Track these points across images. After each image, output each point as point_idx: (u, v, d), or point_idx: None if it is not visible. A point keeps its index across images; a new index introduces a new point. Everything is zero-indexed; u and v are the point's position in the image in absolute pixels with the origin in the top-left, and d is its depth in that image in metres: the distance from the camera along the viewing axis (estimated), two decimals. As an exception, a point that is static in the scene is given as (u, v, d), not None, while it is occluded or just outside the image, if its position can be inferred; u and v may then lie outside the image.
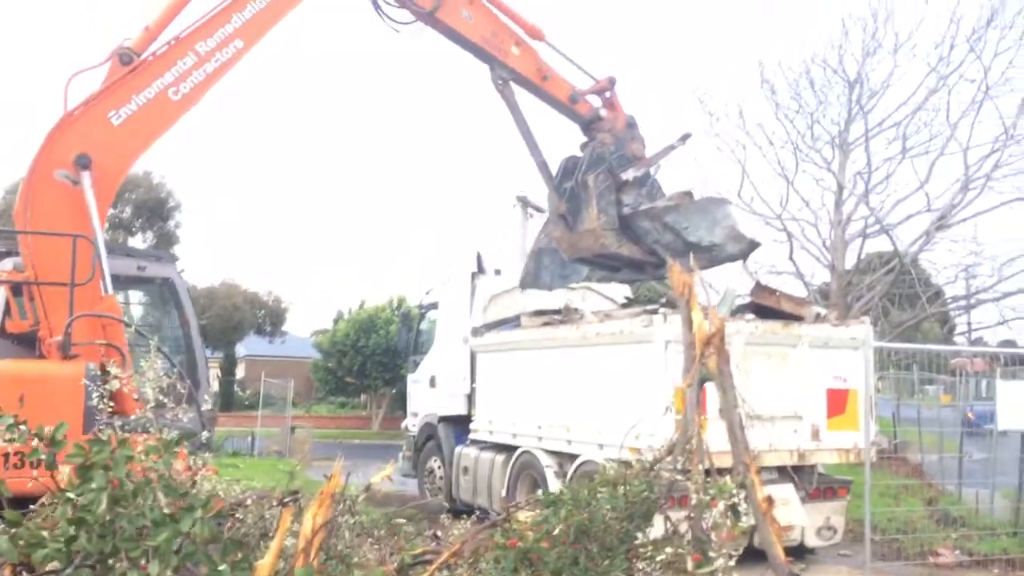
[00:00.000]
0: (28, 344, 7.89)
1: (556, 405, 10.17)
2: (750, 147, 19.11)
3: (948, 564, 9.85)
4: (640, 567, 3.52)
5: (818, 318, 9.55)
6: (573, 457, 9.84)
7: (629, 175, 9.93)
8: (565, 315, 10.43)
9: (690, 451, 3.86)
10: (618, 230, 9.85)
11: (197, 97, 8.07)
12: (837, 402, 9.32)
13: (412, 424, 14.09)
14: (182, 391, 6.83)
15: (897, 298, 19.38)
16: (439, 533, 4.54)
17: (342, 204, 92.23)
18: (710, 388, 8.88)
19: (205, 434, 5.29)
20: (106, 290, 7.56)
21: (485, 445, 11.86)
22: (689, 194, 10.09)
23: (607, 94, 10.67)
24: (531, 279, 11.04)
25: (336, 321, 35.79)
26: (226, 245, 75.72)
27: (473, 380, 12.30)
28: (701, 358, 3.82)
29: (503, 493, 11.06)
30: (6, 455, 6.09)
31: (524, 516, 3.81)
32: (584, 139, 10.81)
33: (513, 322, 11.93)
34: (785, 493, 9.00)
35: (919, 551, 10.10)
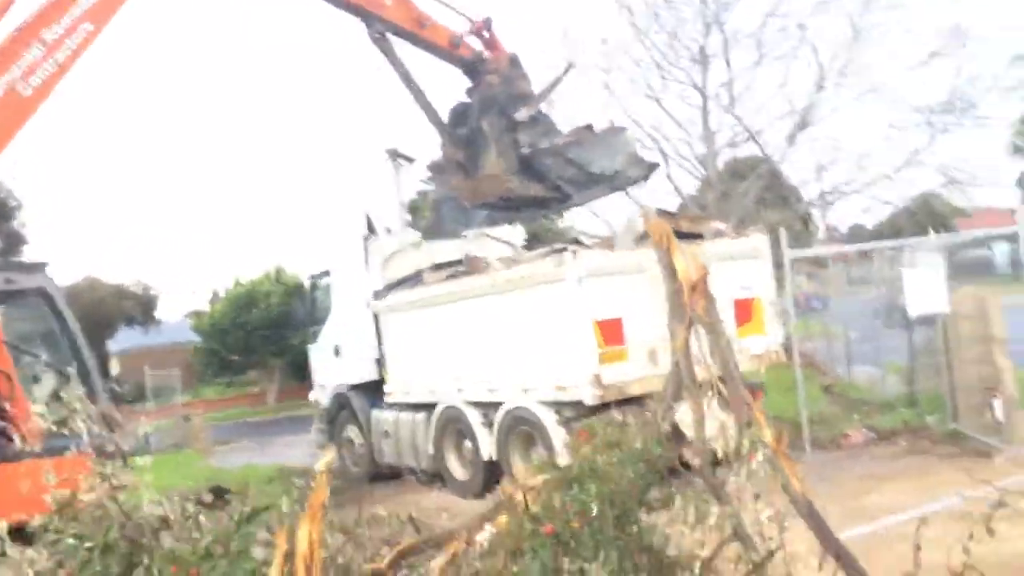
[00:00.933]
0: None
1: (474, 357, 10.07)
2: (616, 72, 19.18)
3: (859, 444, 10.48)
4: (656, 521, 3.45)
5: (718, 233, 9.76)
6: (497, 405, 9.79)
7: (523, 115, 9.79)
8: (470, 266, 10.26)
9: (692, 393, 3.78)
10: (520, 171, 9.76)
11: (50, 88, 7.38)
12: (744, 311, 9.60)
13: (321, 396, 13.70)
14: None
15: (766, 201, 20.13)
16: (413, 515, 4.37)
17: (199, 182, 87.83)
18: (626, 320, 9.04)
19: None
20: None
21: (403, 406, 11.67)
22: (589, 127, 10.06)
23: (485, 34, 10.43)
24: (435, 230, 10.83)
25: (212, 301, 34.34)
26: (83, 240, 71.04)
27: (381, 343, 12.02)
28: (689, 302, 3.69)
29: (430, 451, 10.96)
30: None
31: (525, 491, 3.66)
32: (469, 84, 10.56)
33: (414, 280, 11.68)
34: (715, 407, 9.27)
35: (831, 438, 10.72)
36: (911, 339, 11.07)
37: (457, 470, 10.74)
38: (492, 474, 9.80)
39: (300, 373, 31.39)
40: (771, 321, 9.77)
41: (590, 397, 8.55)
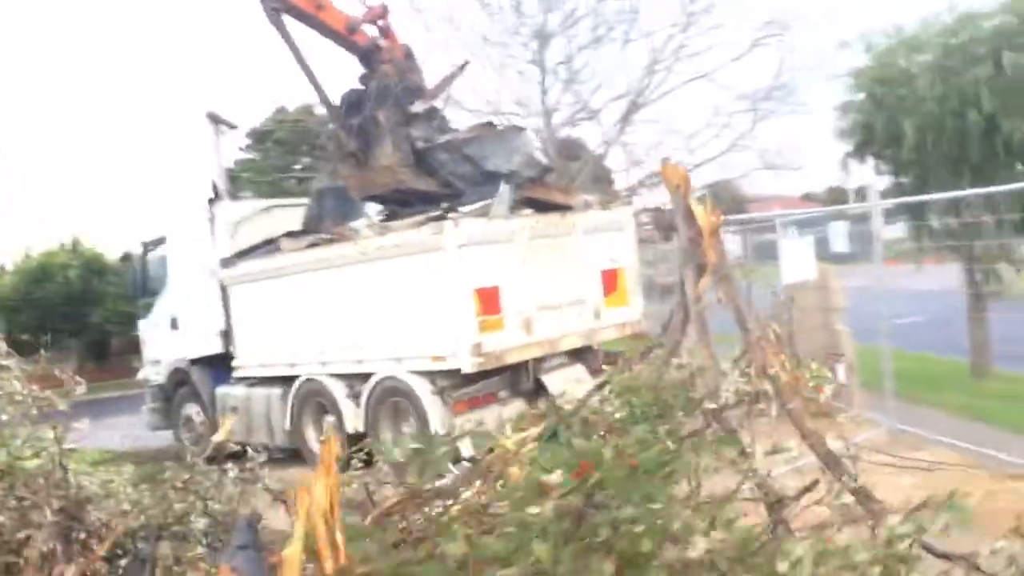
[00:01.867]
0: None
1: (339, 327, 9.75)
2: (461, 47, 19.13)
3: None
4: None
5: (586, 205, 9.99)
6: (366, 376, 9.56)
7: (418, 107, 9.62)
8: (336, 234, 9.90)
9: (705, 341, 3.83)
10: (413, 164, 9.55)
11: None
12: (610, 282, 9.92)
13: (155, 373, 12.77)
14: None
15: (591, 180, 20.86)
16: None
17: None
18: (502, 289, 9.06)
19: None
20: None
21: (254, 381, 11.13)
22: (490, 125, 10.02)
23: (381, 22, 10.11)
24: (314, 221, 10.42)
25: (-2, 275, 31.04)
26: None
27: (228, 315, 11.37)
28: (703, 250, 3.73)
29: (287, 426, 10.53)
30: None
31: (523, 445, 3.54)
32: (362, 71, 10.22)
33: (269, 248, 11.14)
34: (578, 373, 9.53)
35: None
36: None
37: (316, 445, 10.37)
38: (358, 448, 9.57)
39: (99, 353, 29.19)
40: (634, 293, 10.15)
41: (469, 365, 8.53)
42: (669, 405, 3.17)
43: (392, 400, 9.34)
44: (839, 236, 10.26)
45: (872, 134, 12.13)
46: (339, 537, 2.63)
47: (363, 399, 9.54)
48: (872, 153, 12.54)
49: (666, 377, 3.39)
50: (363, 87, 10.39)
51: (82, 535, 3.37)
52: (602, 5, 18.94)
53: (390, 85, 10.07)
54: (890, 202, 10.28)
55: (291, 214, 11.91)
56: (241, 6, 10.67)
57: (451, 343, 8.65)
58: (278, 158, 32.68)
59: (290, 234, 11.01)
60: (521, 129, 11.11)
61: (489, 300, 8.66)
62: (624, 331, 10.03)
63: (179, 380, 12.29)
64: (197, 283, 11.71)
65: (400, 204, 10.18)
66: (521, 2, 18.98)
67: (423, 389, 8.91)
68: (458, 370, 8.78)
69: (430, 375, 8.97)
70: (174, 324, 12.28)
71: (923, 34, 12.17)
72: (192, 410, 12.15)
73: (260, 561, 2.73)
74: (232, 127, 22.02)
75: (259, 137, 32.35)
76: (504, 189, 9.14)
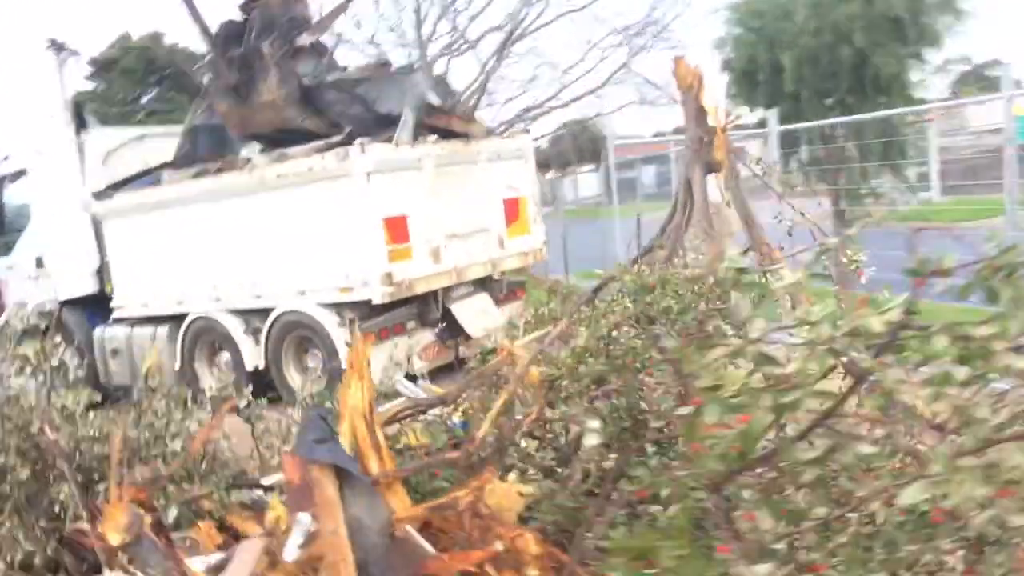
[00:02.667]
0: None
1: (234, 261, 9.31)
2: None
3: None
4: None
5: (488, 132, 9.89)
6: (265, 312, 9.22)
7: (304, 40, 9.05)
8: (226, 162, 9.38)
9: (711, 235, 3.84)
10: (300, 102, 9.02)
11: None
12: (512, 210, 9.91)
13: (18, 317, 11.79)
14: None
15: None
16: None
17: None
18: (410, 217, 8.90)
19: None
20: None
21: (137, 320, 10.52)
22: (385, 65, 9.58)
23: None
24: (187, 159, 9.74)
25: None
26: None
27: (103, 252, 10.65)
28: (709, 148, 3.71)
29: (176, 366, 10.05)
30: None
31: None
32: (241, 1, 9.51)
33: (145, 179, 10.45)
34: (484, 303, 9.56)
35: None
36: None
37: (210, 384, 9.95)
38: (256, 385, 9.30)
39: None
40: (535, 221, 10.20)
41: (380, 296, 8.36)
42: (684, 302, 3.22)
43: (296, 334, 9.08)
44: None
45: (756, 66, 12.57)
46: (380, 436, 2.57)
47: (263, 335, 9.21)
48: (754, 85, 13.01)
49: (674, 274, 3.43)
50: (244, 17, 9.78)
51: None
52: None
53: (275, 15, 9.49)
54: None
55: (165, 144, 11.19)
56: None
57: (359, 273, 8.45)
58: (124, 88, 30.53)
59: (168, 165, 10.37)
60: (415, 70, 10.79)
61: (397, 229, 8.48)
62: (527, 260, 10.10)
63: (46, 324, 11.43)
64: (65, 218, 10.87)
65: (281, 144, 9.67)
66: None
67: (330, 322, 8.68)
68: (366, 301, 8.60)
69: (336, 307, 8.75)
70: (39, 263, 11.37)
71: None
72: (65, 355, 11.34)
73: (342, 450, 2.62)
74: (75, 54, 20.40)
75: (103, 66, 30.02)
76: (407, 115, 8.89)
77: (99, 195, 10.35)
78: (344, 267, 8.53)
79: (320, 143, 8.75)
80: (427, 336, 9.10)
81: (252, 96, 9.34)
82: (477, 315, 9.25)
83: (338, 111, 9.27)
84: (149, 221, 9.96)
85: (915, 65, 11.91)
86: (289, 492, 2.61)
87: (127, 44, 30.42)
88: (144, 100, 31.04)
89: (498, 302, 9.81)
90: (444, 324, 9.08)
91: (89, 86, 30.28)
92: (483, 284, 9.71)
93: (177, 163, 10.09)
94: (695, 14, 20.10)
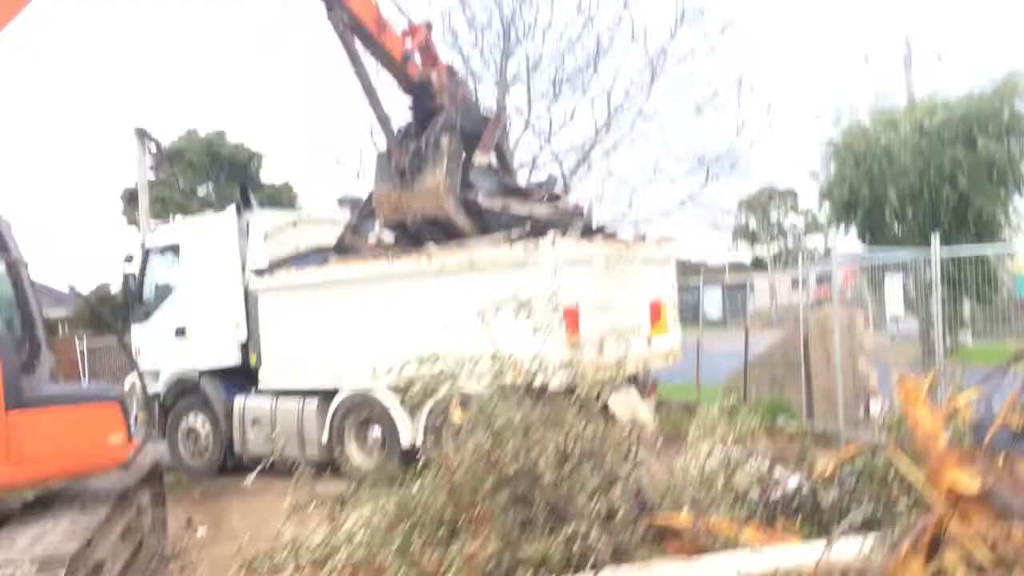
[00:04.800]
0: None
1: (401, 340, 9.74)
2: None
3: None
4: None
5: (640, 239, 10.58)
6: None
7: (479, 160, 9.93)
8: (402, 248, 10.01)
9: None
10: (459, 199, 9.79)
11: None
12: (656, 312, 10.50)
13: (148, 382, 12.16)
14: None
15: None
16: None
17: None
18: (582, 309, 9.46)
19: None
20: None
21: (281, 393, 10.88)
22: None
23: (422, 41, 10.35)
24: (347, 247, 10.50)
25: None
26: None
27: (252, 326, 11.14)
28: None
29: (324, 439, 10.37)
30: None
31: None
32: (408, 100, 10.42)
33: (304, 259, 11.07)
34: (634, 396, 10.01)
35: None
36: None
37: (357, 458, 10.28)
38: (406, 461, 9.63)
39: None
40: (674, 324, 10.77)
41: (560, 382, 8.80)
42: None
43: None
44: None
45: (857, 198, 13.46)
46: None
47: (424, 411, 9.57)
48: (854, 217, 13.86)
49: None
50: (411, 116, 10.65)
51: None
52: (565, 55, 19.90)
53: (453, 114, 10.34)
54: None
55: (315, 229, 11.90)
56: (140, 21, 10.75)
57: (538, 360, 8.90)
58: (187, 178, 31.60)
59: (338, 247, 11.04)
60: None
61: (572, 320, 9.02)
62: (667, 359, 10.61)
63: (182, 390, 11.80)
64: (215, 292, 11.40)
65: (413, 238, 10.32)
66: (483, 47, 19.56)
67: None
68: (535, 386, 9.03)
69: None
70: (180, 333, 11.81)
71: (899, 113, 13.75)
72: (197, 422, 11.67)
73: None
74: (158, 144, 21.48)
75: (169, 157, 31.15)
76: (574, 219, 9.61)
77: (260, 272, 10.91)
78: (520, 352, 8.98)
79: (502, 235, 9.39)
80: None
81: (416, 182, 10.05)
82: (629, 407, 9.68)
83: (492, 227, 9.95)
84: (310, 299, 10.48)
85: (1012, 208, 12.82)
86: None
87: (194, 137, 31.67)
88: (203, 192, 32.10)
89: (644, 396, 10.27)
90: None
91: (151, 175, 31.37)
92: (631, 379, 10.18)
93: (340, 248, 10.71)
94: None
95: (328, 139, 30.87)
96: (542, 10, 19.81)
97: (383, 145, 10.87)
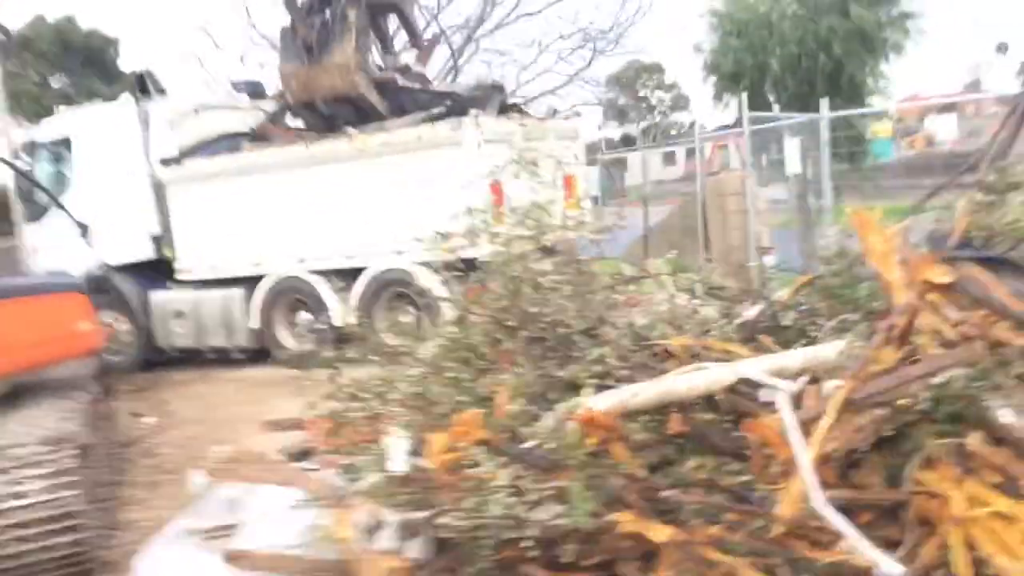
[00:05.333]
0: None
1: (325, 225, 9.95)
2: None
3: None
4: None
5: (552, 113, 10.96)
6: (355, 272, 9.89)
7: (408, 61, 9.88)
8: (321, 131, 10.02)
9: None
10: (371, 74, 9.76)
11: None
12: (569, 186, 11.00)
13: (53, 283, 11.85)
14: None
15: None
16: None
17: None
18: (503, 183, 9.85)
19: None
20: None
21: (202, 283, 10.91)
22: (500, 88, 10.49)
23: None
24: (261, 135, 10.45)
25: None
26: None
27: (164, 218, 11.00)
28: None
29: (256, 324, 10.55)
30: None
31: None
32: None
33: (211, 147, 10.91)
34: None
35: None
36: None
37: (289, 341, 10.54)
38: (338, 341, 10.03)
39: None
40: (584, 198, 11.33)
41: (486, 253, 9.25)
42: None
43: (389, 291, 9.81)
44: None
45: (742, 70, 14.20)
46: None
47: (354, 292, 9.88)
48: (739, 87, 14.63)
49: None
50: None
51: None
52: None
53: None
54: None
55: (218, 115, 11.67)
56: None
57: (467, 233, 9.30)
58: (37, 70, 29.40)
59: (228, 136, 10.93)
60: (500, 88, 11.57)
61: (497, 194, 9.42)
62: (580, 231, 11.19)
63: (94, 288, 11.56)
64: (119, 185, 11.11)
65: (323, 119, 10.35)
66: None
67: (430, 278, 9.49)
68: (458, 260, 9.47)
69: (434, 266, 9.56)
70: (84, 230, 11.48)
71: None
72: (112, 319, 11.54)
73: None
74: (7, 32, 20.18)
75: (16, 46, 28.77)
76: (492, 95, 9.88)
77: (168, 161, 10.70)
78: (449, 227, 9.35)
79: (419, 115, 9.57)
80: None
81: (323, 57, 10.00)
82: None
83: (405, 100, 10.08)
84: (226, 187, 10.43)
85: (880, 73, 13.88)
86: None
87: (41, 24, 29.32)
88: (57, 84, 30.00)
89: (558, 266, 10.87)
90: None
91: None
92: (547, 250, 10.73)
93: (256, 136, 10.61)
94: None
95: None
96: None
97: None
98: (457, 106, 9.56)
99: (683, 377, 3.22)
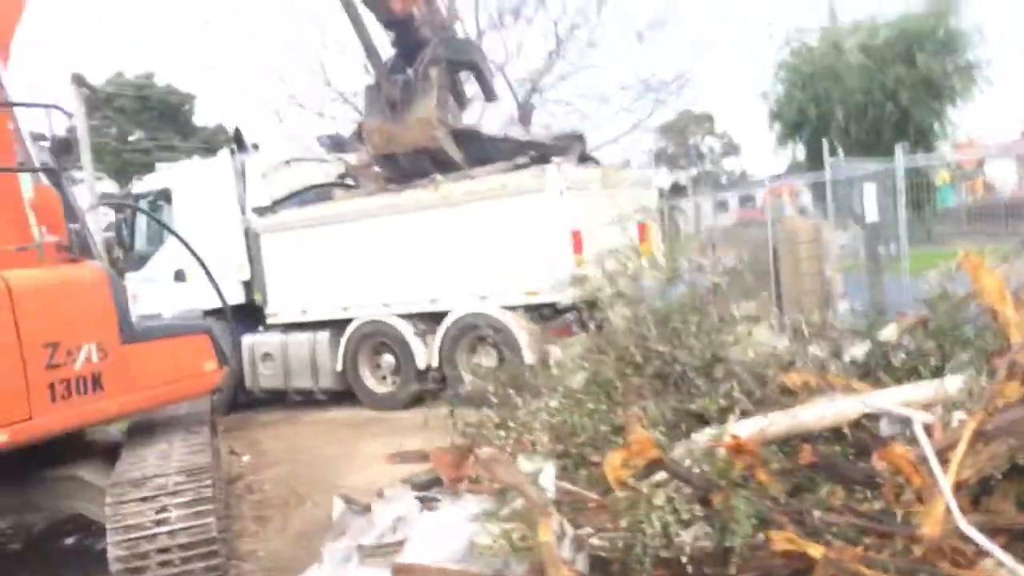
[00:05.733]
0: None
1: (410, 271, 10.32)
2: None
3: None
4: None
5: (625, 164, 11.30)
6: (438, 316, 10.24)
7: (491, 124, 10.35)
8: (401, 182, 10.49)
9: None
10: (449, 127, 10.20)
11: None
12: (643, 233, 11.27)
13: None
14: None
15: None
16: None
17: None
18: (583, 230, 10.17)
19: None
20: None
21: (290, 327, 11.37)
22: (581, 139, 10.91)
23: None
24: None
25: None
26: None
27: (255, 264, 11.52)
28: None
29: (339, 367, 10.94)
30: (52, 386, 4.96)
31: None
32: (392, 35, 10.69)
33: (302, 197, 11.46)
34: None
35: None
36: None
37: (374, 384, 10.90)
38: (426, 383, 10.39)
39: None
40: (657, 245, 11.58)
41: (568, 298, 9.52)
42: None
43: (472, 335, 10.12)
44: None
45: (806, 118, 14.43)
46: None
47: (439, 335, 10.20)
48: (801, 136, 14.86)
49: None
50: (395, 51, 11.01)
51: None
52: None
53: (439, 46, 10.73)
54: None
55: (306, 168, 12.25)
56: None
57: (549, 278, 9.61)
58: (117, 124, 30.83)
59: (314, 187, 11.48)
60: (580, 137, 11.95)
61: (577, 240, 9.73)
62: (658, 277, 11.43)
63: (186, 332, 12.12)
64: (214, 233, 11.67)
65: (403, 170, 10.78)
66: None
67: (514, 322, 9.78)
68: (539, 305, 9.79)
69: (516, 309, 9.88)
70: (179, 276, 12.07)
71: (844, 34, 14.68)
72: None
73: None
74: (94, 90, 21.36)
75: (100, 102, 30.28)
76: (574, 144, 10.26)
77: (261, 211, 11.25)
78: (531, 273, 9.67)
79: (505, 164, 9.96)
80: (584, 338, 10.27)
81: (406, 113, 10.48)
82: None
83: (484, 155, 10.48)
84: (315, 235, 10.91)
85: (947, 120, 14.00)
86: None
87: (122, 81, 30.81)
88: (134, 137, 31.36)
89: (634, 312, 11.10)
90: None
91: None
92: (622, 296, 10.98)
93: (345, 184, 11.13)
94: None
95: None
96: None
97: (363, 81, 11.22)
98: (540, 156, 9.93)
99: (813, 409, 3.43)
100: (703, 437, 3.12)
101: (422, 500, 3.56)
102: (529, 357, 9.50)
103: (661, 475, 2.91)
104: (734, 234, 23.72)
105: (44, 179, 6.05)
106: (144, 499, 4.88)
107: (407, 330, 10.46)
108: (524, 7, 20.66)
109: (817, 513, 2.78)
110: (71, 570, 6.14)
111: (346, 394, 11.14)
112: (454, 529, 3.32)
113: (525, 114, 11.65)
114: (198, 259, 7.69)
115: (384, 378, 10.90)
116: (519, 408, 4.13)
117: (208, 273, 7.51)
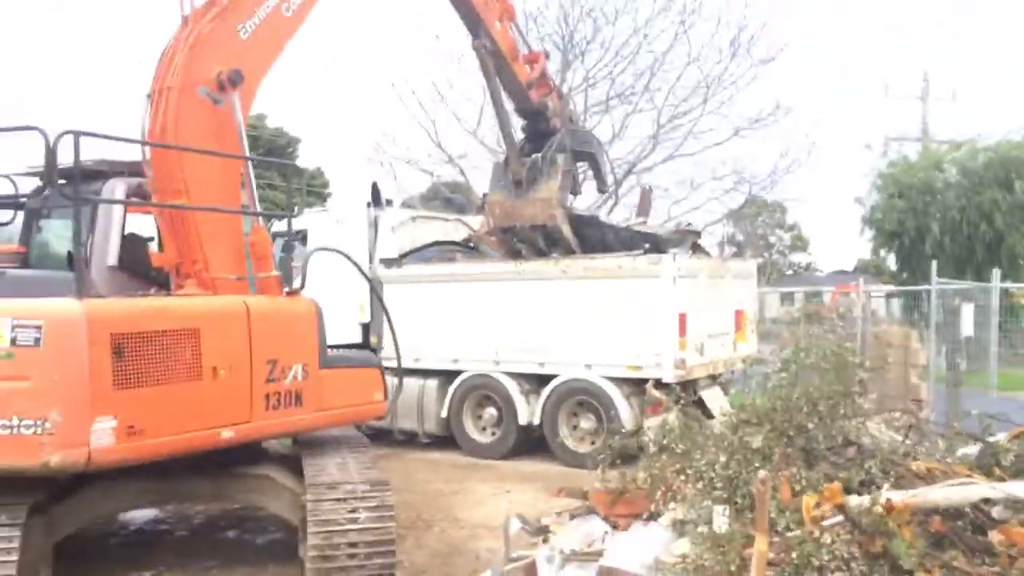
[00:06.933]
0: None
1: (524, 333, 11.21)
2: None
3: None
4: None
5: (735, 254, 12.13)
6: (544, 378, 11.09)
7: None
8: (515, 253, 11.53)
9: None
10: (568, 214, 11.24)
11: (304, 15, 7.75)
12: (739, 320, 12.05)
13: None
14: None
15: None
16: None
17: None
18: (689, 315, 10.93)
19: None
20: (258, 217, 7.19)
21: (402, 372, 12.27)
22: (697, 234, 11.96)
23: (538, 67, 11.70)
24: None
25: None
26: None
27: (375, 311, 12.55)
28: None
29: (443, 414, 11.81)
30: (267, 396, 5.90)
31: None
32: (524, 121, 11.85)
33: (425, 252, 12.53)
34: (719, 392, 11.54)
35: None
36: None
37: (475, 433, 11.74)
38: (525, 438, 11.25)
39: None
40: (752, 332, 12.33)
41: (673, 376, 10.30)
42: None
43: (574, 399, 10.93)
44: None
45: (903, 228, 15.11)
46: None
47: (543, 396, 11.04)
48: (896, 245, 15.51)
49: None
50: (524, 136, 12.15)
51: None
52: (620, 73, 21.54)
53: (566, 136, 11.82)
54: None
55: (429, 224, 13.37)
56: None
57: (653, 357, 10.41)
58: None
59: (438, 243, 12.57)
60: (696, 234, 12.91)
61: (683, 324, 10.54)
62: (747, 363, 12.15)
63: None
64: (343, 279, 12.75)
65: (516, 245, 11.79)
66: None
67: (615, 392, 10.57)
68: (641, 379, 10.57)
69: (618, 381, 10.68)
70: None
71: (944, 153, 15.43)
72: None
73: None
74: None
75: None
76: (687, 239, 11.17)
77: (390, 263, 12.34)
78: (636, 350, 10.49)
79: (623, 253, 10.89)
80: (679, 415, 11.00)
81: (530, 191, 11.51)
82: (718, 401, 11.22)
83: (601, 246, 11.44)
84: (437, 290, 11.92)
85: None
86: None
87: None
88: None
89: (725, 393, 11.83)
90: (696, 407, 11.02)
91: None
92: (714, 378, 11.73)
93: (469, 246, 12.17)
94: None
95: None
96: (601, 28, 21.49)
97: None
98: (654, 247, 10.84)
99: (943, 490, 4.20)
100: (862, 500, 3.87)
101: (611, 523, 4.37)
102: (627, 424, 10.27)
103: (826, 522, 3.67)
104: (804, 329, 24.20)
105: (261, 221, 7.12)
106: (338, 500, 5.76)
107: (513, 388, 11.32)
108: (632, 94, 21.86)
109: (969, 568, 3.52)
110: (236, 561, 7.02)
111: (447, 439, 11.98)
112: (640, 548, 4.12)
113: (644, 205, 12.57)
114: (383, 307, 8.71)
115: (484, 429, 11.73)
116: (697, 460, 4.91)
117: (389, 321, 8.51)
